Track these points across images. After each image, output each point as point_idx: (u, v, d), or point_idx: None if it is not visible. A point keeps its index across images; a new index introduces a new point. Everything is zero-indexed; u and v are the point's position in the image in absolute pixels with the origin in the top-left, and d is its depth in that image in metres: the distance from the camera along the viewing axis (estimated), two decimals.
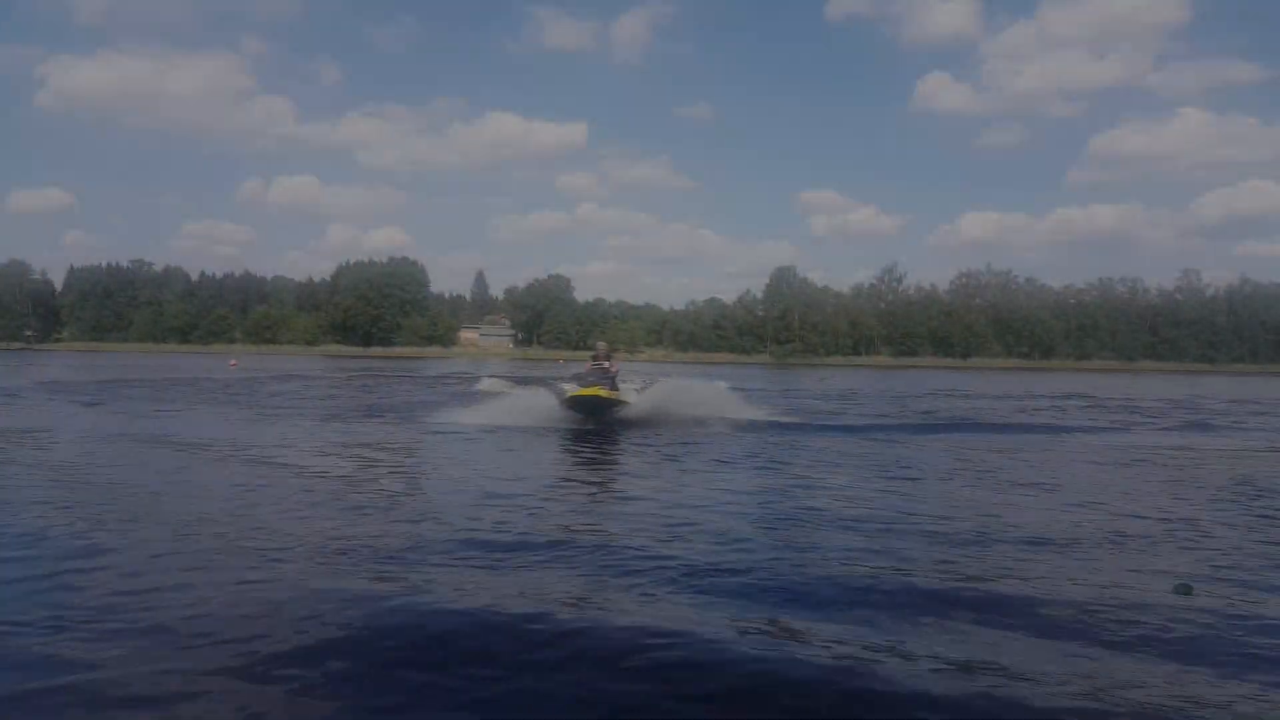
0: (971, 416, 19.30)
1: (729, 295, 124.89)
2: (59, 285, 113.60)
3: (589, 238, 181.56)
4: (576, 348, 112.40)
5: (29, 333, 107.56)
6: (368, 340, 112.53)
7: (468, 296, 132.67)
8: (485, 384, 23.24)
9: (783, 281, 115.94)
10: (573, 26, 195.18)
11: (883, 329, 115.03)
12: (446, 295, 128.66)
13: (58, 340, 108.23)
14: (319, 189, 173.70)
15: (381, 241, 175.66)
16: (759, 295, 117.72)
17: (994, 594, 4.76)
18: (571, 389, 13.71)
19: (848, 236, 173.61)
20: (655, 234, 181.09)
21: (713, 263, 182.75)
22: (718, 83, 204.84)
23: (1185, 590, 4.77)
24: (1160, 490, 8.83)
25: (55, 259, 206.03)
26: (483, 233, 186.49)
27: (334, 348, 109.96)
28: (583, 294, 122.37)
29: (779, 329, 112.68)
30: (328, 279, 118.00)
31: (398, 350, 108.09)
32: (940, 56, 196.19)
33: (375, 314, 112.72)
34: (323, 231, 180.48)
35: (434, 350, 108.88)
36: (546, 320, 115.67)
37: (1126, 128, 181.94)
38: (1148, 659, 3.82)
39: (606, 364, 14.42)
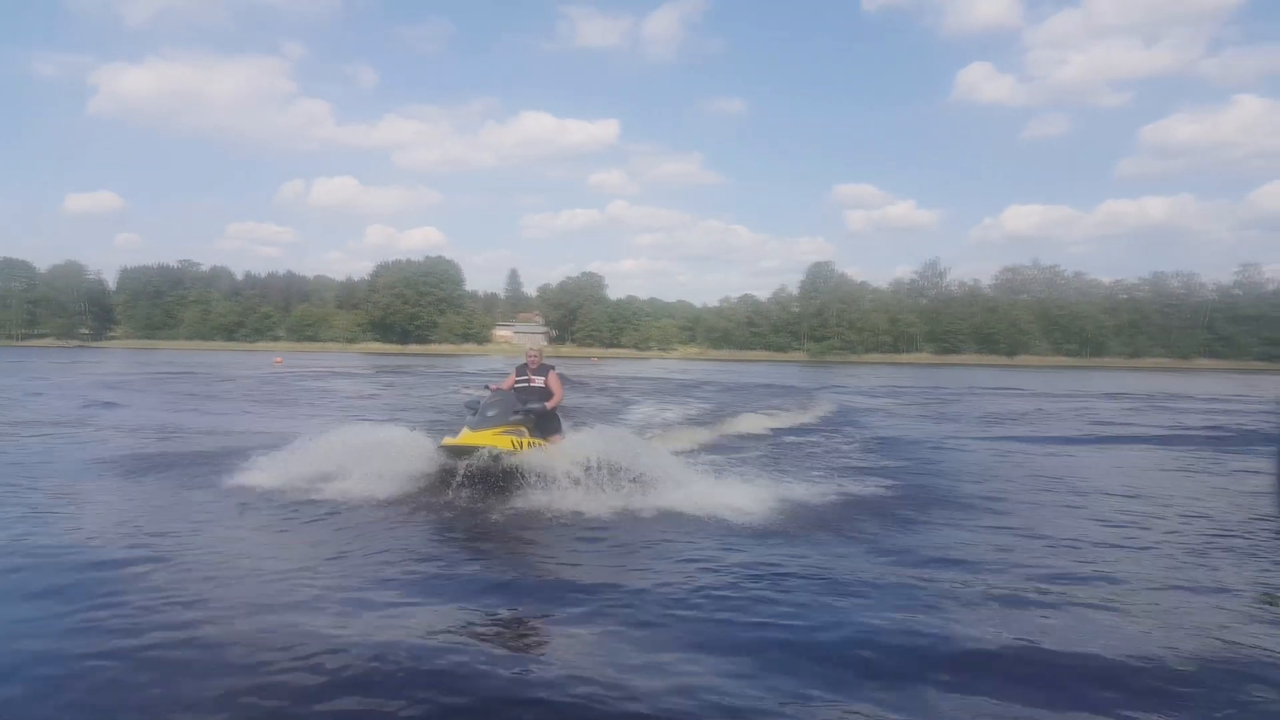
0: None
1: (763, 292, 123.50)
2: (112, 285, 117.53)
3: (621, 235, 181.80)
4: (609, 345, 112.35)
5: (84, 331, 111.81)
6: (405, 338, 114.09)
7: (501, 294, 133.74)
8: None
9: (819, 277, 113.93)
10: (604, 24, 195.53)
11: (924, 326, 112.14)
12: (481, 293, 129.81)
13: (111, 338, 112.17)
14: (357, 190, 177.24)
15: (418, 241, 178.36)
16: (794, 292, 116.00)
17: None
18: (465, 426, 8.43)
19: (886, 231, 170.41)
20: (687, 231, 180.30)
21: (746, 259, 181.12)
22: (750, 78, 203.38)
23: None
24: None
25: (108, 260, 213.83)
26: (516, 231, 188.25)
27: (373, 345, 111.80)
28: (615, 291, 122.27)
29: (815, 326, 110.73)
30: (366, 278, 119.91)
31: (434, 347, 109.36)
32: (982, 47, 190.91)
33: (412, 312, 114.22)
34: (361, 231, 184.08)
35: (469, 347, 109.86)
36: (579, 318, 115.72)
37: (1178, 117, 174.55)
38: None
39: (536, 379, 9.17)
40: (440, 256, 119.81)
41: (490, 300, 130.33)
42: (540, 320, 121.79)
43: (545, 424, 9.02)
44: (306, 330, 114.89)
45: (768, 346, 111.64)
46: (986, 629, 4.62)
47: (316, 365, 50.91)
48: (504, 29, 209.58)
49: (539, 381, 9.21)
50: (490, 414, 8.47)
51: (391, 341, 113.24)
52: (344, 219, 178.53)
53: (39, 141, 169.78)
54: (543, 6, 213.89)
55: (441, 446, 8.12)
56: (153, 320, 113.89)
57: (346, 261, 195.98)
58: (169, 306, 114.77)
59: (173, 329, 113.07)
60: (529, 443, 8.36)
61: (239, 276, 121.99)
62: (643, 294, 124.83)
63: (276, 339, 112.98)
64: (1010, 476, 10.47)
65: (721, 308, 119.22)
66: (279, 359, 59.81)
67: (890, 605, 5.01)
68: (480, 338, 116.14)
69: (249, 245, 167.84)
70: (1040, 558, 6.23)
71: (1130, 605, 5.12)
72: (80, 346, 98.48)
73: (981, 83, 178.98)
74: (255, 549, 6.07)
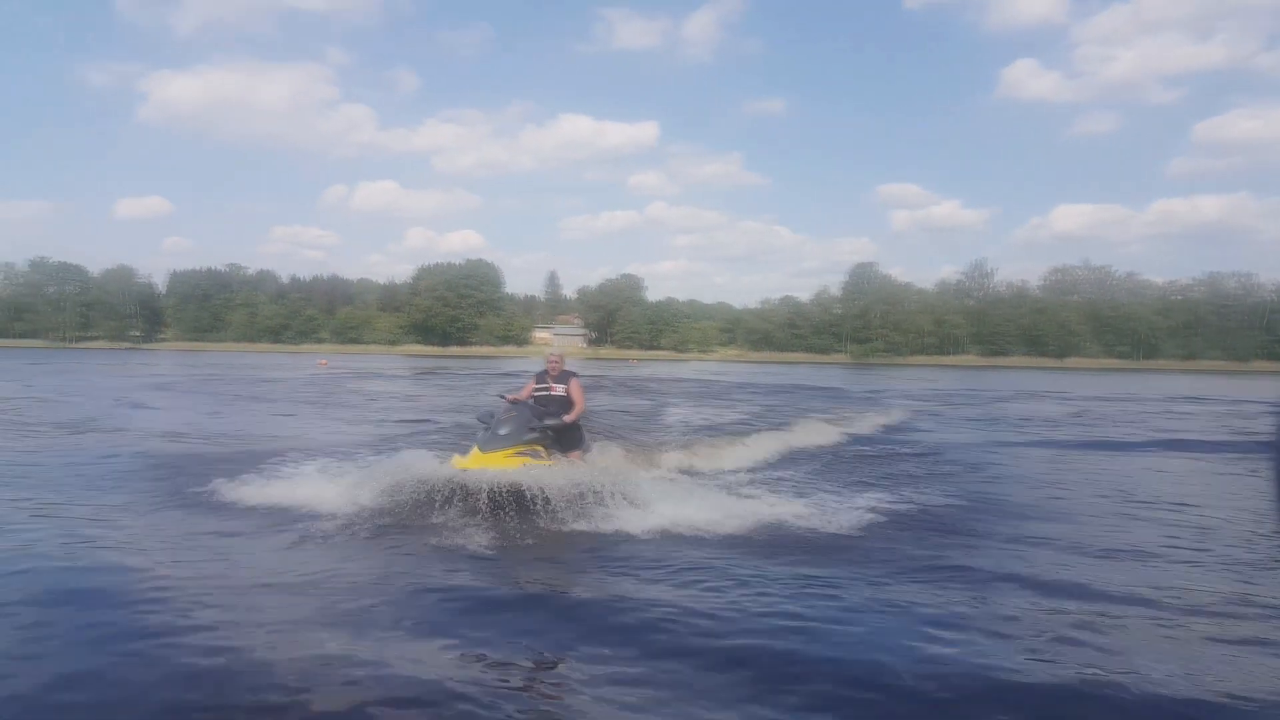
0: None
1: (804, 293, 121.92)
2: (161, 288, 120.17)
3: (660, 236, 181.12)
4: (649, 347, 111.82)
5: (135, 333, 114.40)
6: (445, 340, 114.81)
7: (540, 296, 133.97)
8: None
9: (862, 278, 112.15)
10: (642, 26, 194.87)
11: (970, 327, 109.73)
12: (520, 295, 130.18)
13: (161, 340, 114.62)
14: (398, 193, 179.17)
15: (458, 244, 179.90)
16: (836, 293, 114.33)
17: None
18: (475, 443, 7.64)
19: (930, 231, 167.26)
20: (726, 232, 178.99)
21: (787, 260, 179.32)
22: (790, 77, 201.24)
23: None
24: None
25: (157, 264, 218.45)
26: (555, 233, 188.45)
27: (414, 347, 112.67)
28: (654, 293, 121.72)
29: (858, 327, 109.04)
30: (408, 281, 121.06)
31: (474, 349, 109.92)
32: (1027, 43, 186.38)
33: (453, 314, 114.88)
34: (402, 234, 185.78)
35: (509, 349, 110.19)
36: (618, 319, 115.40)
37: (1234, 113, 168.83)
38: None
39: (557, 387, 8.36)
40: (480, 259, 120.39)
41: (529, 302, 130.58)
42: (579, 322, 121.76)
43: (565, 439, 8.20)
44: (350, 332, 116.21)
45: (809, 348, 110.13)
46: (1052, 659, 4.12)
47: (359, 367, 51.65)
48: (542, 32, 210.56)
49: (559, 390, 8.43)
50: (503, 432, 7.64)
51: (432, 343, 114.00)
52: (385, 222, 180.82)
53: (91, 149, 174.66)
54: (580, 9, 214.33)
55: (454, 464, 7.41)
56: (201, 323, 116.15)
57: (388, 264, 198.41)
58: (217, 309, 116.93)
59: (220, 331, 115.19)
60: (543, 464, 7.59)
61: (284, 280, 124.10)
62: (682, 295, 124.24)
63: (320, 341, 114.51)
64: (1068, 485, 9.93)
65: (762, 309, 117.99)
66: (323, 361, 60.82)
67: (951, 631, 4.50)
68: (520, 340, 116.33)
69: (294, 249, 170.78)
70: (1105, 574, 5.70)
71: (1202, 630, 4.60)
72: (131, 348, 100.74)
73: (1027, 79, 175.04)
74: (232, 569, 5.64)
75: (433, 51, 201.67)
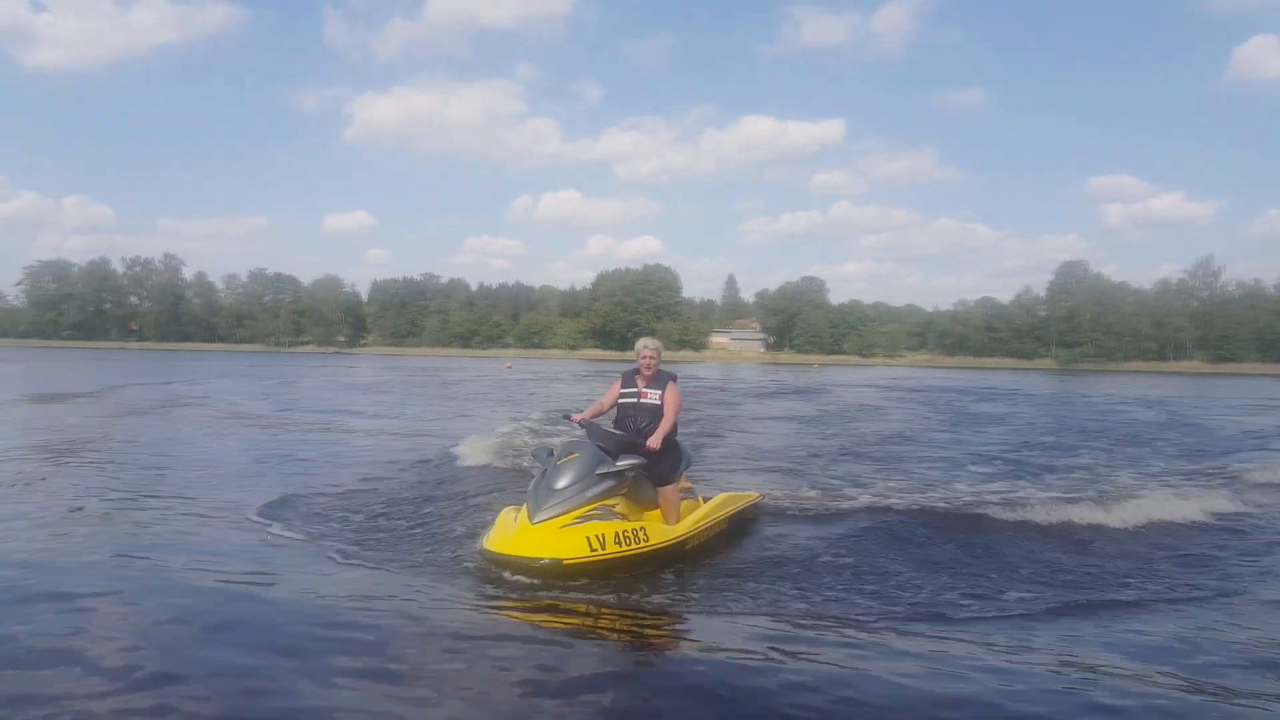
0: None
1: (1003, 295, 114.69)
2: (364, 296, 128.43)
3: (844, 237, 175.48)
4: (830, 351, 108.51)
5: (341, 339, 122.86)
6: (624, 344, 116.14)
7: (718, 301, 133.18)
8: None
9: (1070, 278, 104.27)
10: (830, 22, 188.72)
11: (1195, 330, 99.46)
12: (697, 300, 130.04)
13: (364, 345, 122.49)
14: (580, 202, 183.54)
15: (637, 250, 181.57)
16: (1041, 294, 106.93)
17: None
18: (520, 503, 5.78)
19: (1148, 227, 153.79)
20: (917, 231, 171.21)
21: (984, 260, 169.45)
22: (991, 65, 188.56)
23: None
24: None
25: (361, 274, 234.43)
26: (734, 237, 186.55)
27: (593, 351, 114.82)
28: (837, 296, 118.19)
29: (1065, 331, 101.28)
30: (588, 287, 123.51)
31: None
32: (1262, 20, 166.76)
33: (630, 319, 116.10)
34: (584, 242, 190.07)
35: (685, 354, 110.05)
36: (798, 323, 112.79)
37: None
38: None
39: (650, 393, 6.29)
40: (658, 264, 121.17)
41: (707, 307, 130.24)
42: (757, 327, 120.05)
43: (657, 467, 6.08)
44: (533, 337, 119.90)
45: (1009, 353, 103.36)
46: None
47: (540, 370, 53.90)
48: (725, 35, 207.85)
49: (652, 396, 6.26)
50: (560, 484, 5.47)
51: (610, 348, 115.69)
52: (568, 231, 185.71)
53: (304, 168, 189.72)
54: (766, 8, 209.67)
55: (482, 548, 5.41)
56: (399, 329, 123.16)
57: (570, 271, 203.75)
58: (413, 316, 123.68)
59: (416, 337, 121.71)
60: (623, 529, 5.42)
61: (474, 288, 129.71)
62: (867, 298, 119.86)
63: (506, 346, 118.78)
64: None
65: (956, 311, 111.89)
66: (509, 364, 63.47)
67: None
68: (697, 344, 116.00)
69: (482, 258, 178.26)
70: None
71: None
72: (338, 353, 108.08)
73: (1263, 58, 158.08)
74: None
75: (616, 62, 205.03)
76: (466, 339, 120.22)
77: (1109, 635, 4.63)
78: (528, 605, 4.91)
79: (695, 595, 5.28)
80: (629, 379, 6.40)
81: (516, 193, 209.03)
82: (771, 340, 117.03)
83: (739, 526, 6.93)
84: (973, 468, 11.16)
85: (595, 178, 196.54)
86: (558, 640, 4.37)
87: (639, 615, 4.87)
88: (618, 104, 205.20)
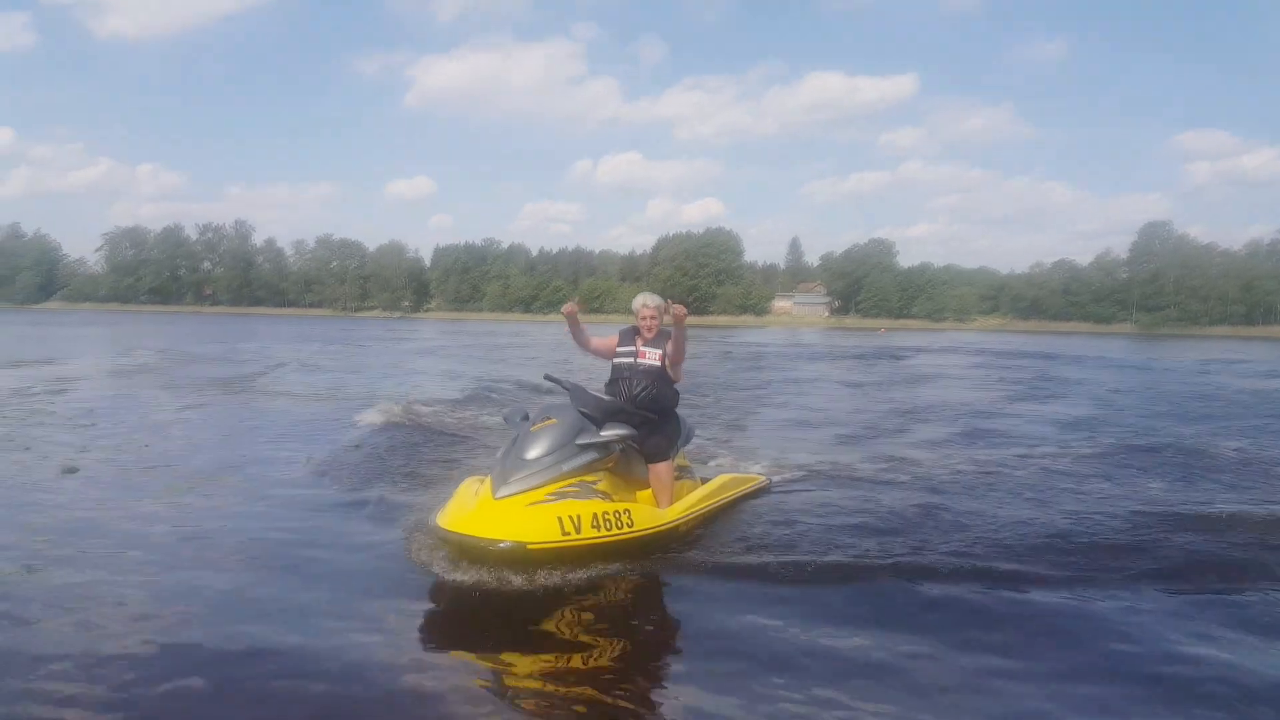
0: None
1: (1081, 257, 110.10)
2: (427, 262, 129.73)
3: (913, 198, 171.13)
4: (898, 315, 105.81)
5: (405, 304, 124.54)
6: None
7: (781, 265, 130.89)
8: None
9: (1154, 239, 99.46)
10: None
11: None
12: (760, 264, 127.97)
13: (427, 311, 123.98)
14: (641, 165, 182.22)
15: (698, 213, 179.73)
16: (1122, 255, 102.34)
17: None
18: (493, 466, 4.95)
19: (1239, 185, 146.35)
20: (991, 190, 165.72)
21: (1061, 220, 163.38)
22: (1073, 15, 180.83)
23: None
24: None
25: (424, 239, 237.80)
26: (798, 199, 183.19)
27: None
28: (906, 259, 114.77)
29: (1147, 294, 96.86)
30: (648, 251, 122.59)
31: (711, 319, 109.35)
32: None
33: (691, 284, 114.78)
34: (644, 206, 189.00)
35: (747, 319, 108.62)
36: (865, 287, 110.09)
37: None
38: None
39: (649, 352, 5.49)
40: (719, 228, 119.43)
41: (770, 271, 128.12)
42: (822, 290, 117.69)
43: (655, 436, 5.39)
44: (593, 302, 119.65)
45: (1086, 317, 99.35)
46: None
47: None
48: None
49: (652, 356, 5.43)
50: (533, 454, 4.70)
51: None
52: (628, 194, 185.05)
53: (367, 133, 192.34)
54: None
55: (434, 524, 4.63)
56: (461, 294, 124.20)
57: (630, 236, 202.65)
58: (475, 281, 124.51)
59: (478, 302, 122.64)
60: (604, 510, 4.64)
61: (534, 253, 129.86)
62: (937, 261, 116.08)
63: None
64: None
65: (1032, 274, 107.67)
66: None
67: None
68: (759, 309, 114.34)
69: (542, 223, 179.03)
70: None
71: None
72: (402, 318, 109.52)
73: None
74: None
75: (678, 19, 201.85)
76: (527, 304, 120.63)
77: None
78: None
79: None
80: (627, 337, 5.63)
81: (577, 155, 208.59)
82: (836, 304, 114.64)
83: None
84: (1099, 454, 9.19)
85: (656, 139, 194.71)
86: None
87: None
88: (680, 62, 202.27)
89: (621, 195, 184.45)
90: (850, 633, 4.03)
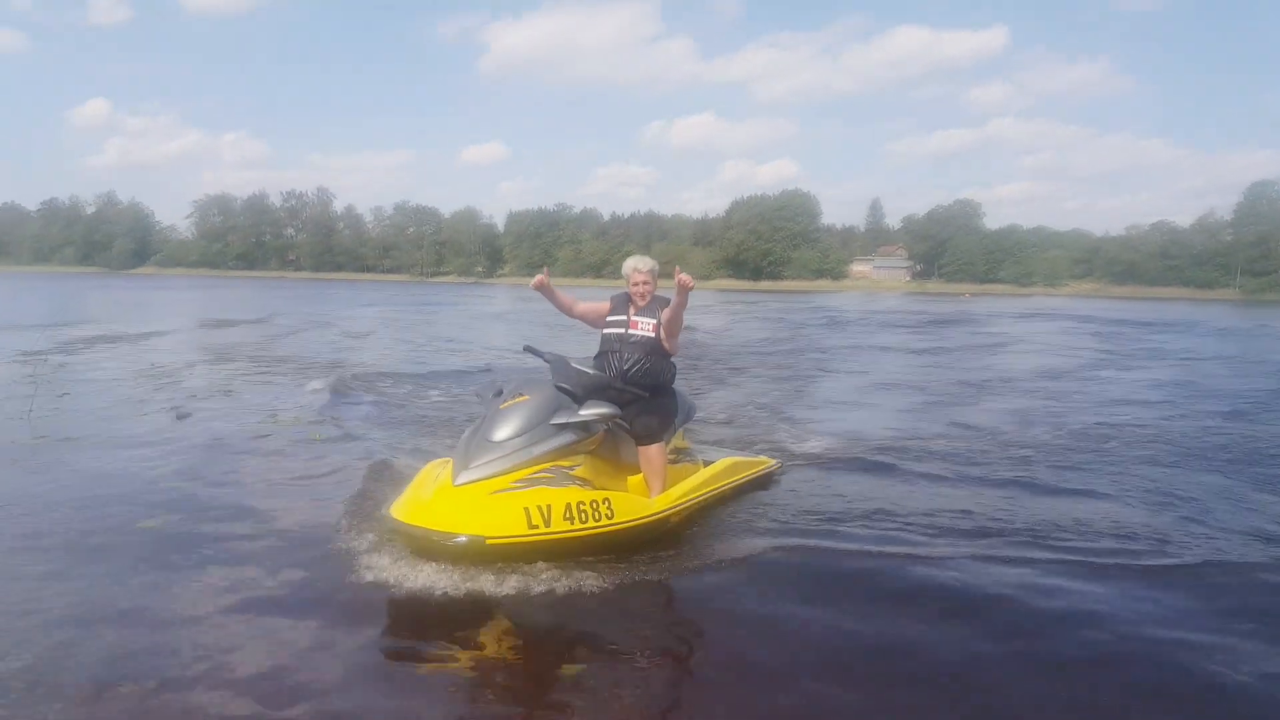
0: None
1: (1182, 218, 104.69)
2: (500, 228, 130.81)
3: (1001, 157, 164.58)
4: (983, 280, 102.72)
5: (479, 269, 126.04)
6: (757, 275, 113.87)
7: (860, 227, 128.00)
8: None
9: (1261, 199, 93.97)
10: None
11: None
12: (838, 227, 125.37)
13: (500, 276, 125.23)
14: (715, 126, 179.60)
15: (772, 176, 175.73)
16: (1227, 217, 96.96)
17: None
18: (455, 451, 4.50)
19: None
20: (1085, 148, 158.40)
21: (1160, 179, 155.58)
22: None
23: None
24: None
25: (497, 205, 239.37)
26: (878, 159, 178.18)
27: (726, 282, 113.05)
28: (992, 220, 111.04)
29: (1254, 258, 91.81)
30: (721, 215, 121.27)
31: (786, 284, 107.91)
32: None
33: (765, 248, 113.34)
34: (717, 169, 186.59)
35: (823, 284, 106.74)
36: (949, 250, 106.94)
37: None
38: None
39: (642, 322, 4.98)
40: (795, 189, 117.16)
41: (848, 234, 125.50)
42: (903, 254, 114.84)
43: (646, 415, 4.83)
44: (665, 267, 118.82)
45: (1185, 282, 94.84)
46: None
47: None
48: None
49: (645, 326, 4.91)
50: (500, 434, 4.20)
51: (744, 278, 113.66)
52: (701, 156, 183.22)
53: (442, 100, 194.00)
54: None
55: (388, 513, 4.13)
56: (533, 260, 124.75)
57: (702, 199, 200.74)
58: (547, 246, 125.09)
59: (551, 267, 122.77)
60: (580, 499, 4.12)
61: (605, 217, 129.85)
62: (1026, 222, 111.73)
63: None
64: None
65: (1128, 236, 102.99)
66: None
67: None
68: (835, 273, 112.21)
69: (614, 187, 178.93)
70: None
71: None
72: (476, 283, 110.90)
73: None
74: None
75: None
76: (599, 269, 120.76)
77: None
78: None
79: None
80: (619, 304, 5.11)
81: (649, 118, 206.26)
82: (919, 268, 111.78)
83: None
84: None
85: (731, 99, 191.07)
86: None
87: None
88: (757, 18, 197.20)
89: (695, 157, 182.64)
90: (847, 623, 3.78)
